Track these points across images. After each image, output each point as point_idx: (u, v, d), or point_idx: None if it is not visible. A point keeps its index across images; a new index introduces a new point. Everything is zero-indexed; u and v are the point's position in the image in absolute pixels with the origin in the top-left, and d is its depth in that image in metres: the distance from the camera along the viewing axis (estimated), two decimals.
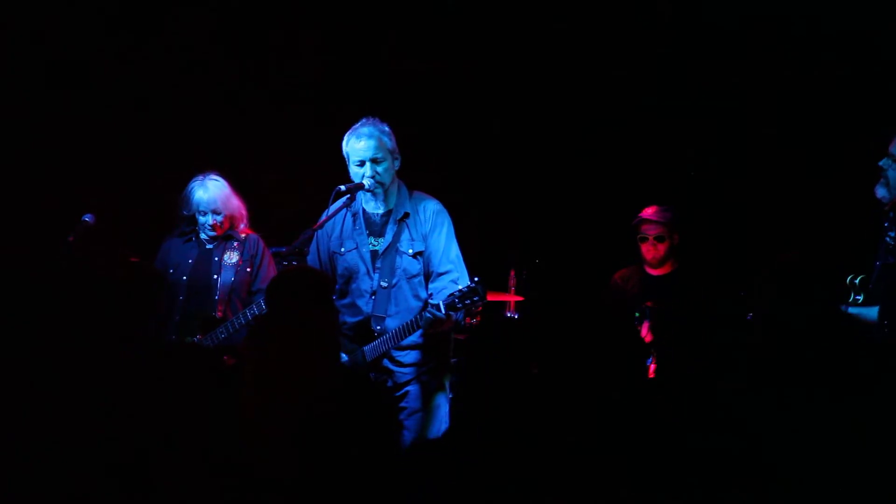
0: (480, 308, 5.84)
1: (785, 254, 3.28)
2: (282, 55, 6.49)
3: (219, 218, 5.03)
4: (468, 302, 4.17)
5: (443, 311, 4.19)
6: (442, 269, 4.46)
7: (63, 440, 3.18)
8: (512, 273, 6.25)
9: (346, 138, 4.50)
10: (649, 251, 5.85)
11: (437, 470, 4.34)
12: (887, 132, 4.32)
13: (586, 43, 6.42)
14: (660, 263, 5.87)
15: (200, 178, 5.06)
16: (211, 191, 5.03)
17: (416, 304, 4.45)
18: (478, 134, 6.67)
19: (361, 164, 4.44)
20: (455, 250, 4.51)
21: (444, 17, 6.44)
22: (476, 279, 4.20)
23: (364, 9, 6.44)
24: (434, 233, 4.47)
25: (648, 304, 5.70)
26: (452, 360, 5.35)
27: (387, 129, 4.50)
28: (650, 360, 5.70)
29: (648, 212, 5.85)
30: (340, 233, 4.55)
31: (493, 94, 6.62)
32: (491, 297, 6.06)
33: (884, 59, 5.75)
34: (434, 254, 4.47)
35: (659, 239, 5.81)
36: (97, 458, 3.14)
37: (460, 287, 4.21)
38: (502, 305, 6.31)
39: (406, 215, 4.49)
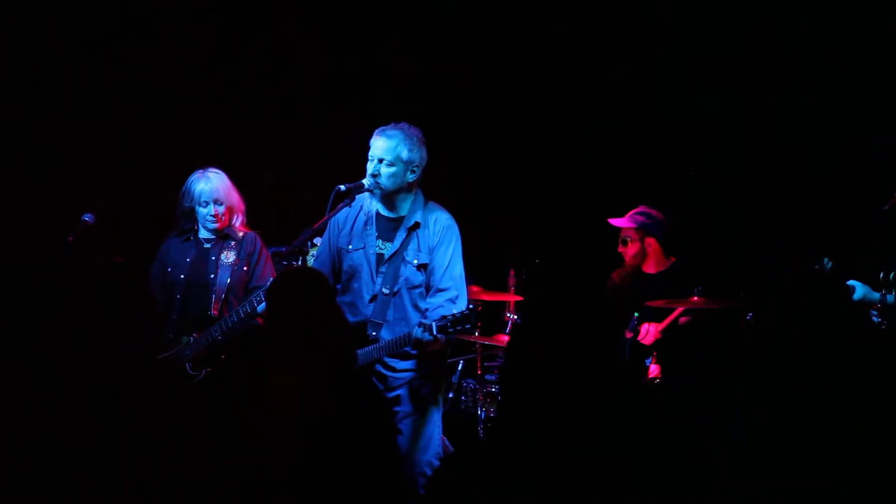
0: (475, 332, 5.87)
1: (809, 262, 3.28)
2: (282, 55, 6.49)
3: (220, 209, 5.04)
4: (459, 328, 4.18)
5: (433, 334, 4.19)
6: (443, 286, 4.42)
7: (63, 440, 3.19)
8: (512, 273, 6.25)
9: (375, 131, 4.46)
10: (623, 252, 6.04)
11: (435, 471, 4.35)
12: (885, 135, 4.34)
13: (586, 43, 6.42)
14: (639, 263, 6.00)
15: (200, 171, 5.08)
16: (213, 181, 5.04)
17: (415, 315, 4.43)
18: (478, 134, 6.67)
19: (372, 159, 4.43)
20: (459, 269, 4.46)
21: (445, 18, 6.45)
22: (471, 307, 4.23)
23: (364, 9, 6.44)
24: (440, 248, 4.43)
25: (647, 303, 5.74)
26: (451, 360, 5.37)
27: (415, 139, 4.42)
28: (650, 360, 5.73)
29: (625, 217, 6.00)
30: (351, 230, 4.53)
31: (493, 94, 6.62)
32: (491, 298, 6.07)
33: (883, 59, 5.75)
34: (437, 269, 4.43)
35: (623, 242, 6.02)
36: (97, 458, 3.15)
37: (454, 312, 4.21)
38: (502, 306, 6.31)
39: (417, 225, 4.45)
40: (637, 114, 6.51)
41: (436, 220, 4.47)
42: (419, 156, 4.42)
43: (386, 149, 4.39)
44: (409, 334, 4.26)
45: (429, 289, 4.45)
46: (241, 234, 5.09)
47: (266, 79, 6.51)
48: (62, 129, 6.06)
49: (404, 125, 4.45)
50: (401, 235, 4.45)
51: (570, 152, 6.67)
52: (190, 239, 5.11)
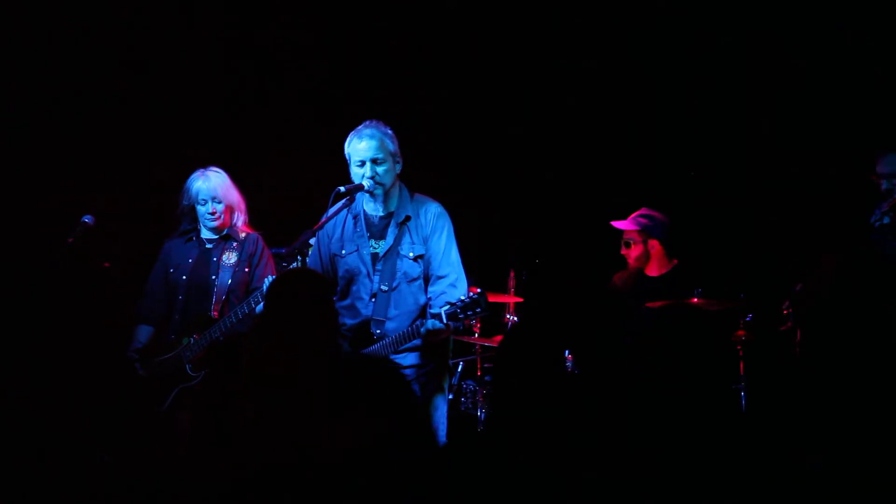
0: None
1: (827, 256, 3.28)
2: (282, 55, 6.50)
3: (219, 207, 5.03)
4: (470, 313, 4.16)
5: (444, 322, 4.19)
6: (441, 273, 4.45)
7: (60, 439, 3.19)
8: (511, 274, 6.25)
9: (348, 139, 4.50)
10: (626, 254, 6.02)
11: (435, 471, 4.35)
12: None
13: (586, 43, 6.42)
14: (642, 265, 5.99)
15: (201, 170, 5.09)
16: (211, 180, 5.05)
17: (416, 308, 4.45)
18: (478, 134, 6.68)
19: (362, 164, 4.44)
20: (455, 254, 4.50)
21: (445, 17, 6.45)
22: (479, 290, 4.20)
23: (364, 9, 6.45)
24: (434, 236, 4.47)
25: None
26: (451, 362, 5.37)
27: (390, 132, 4.50)
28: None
29: (628, 219, 5.99)
30: (341, 235, 4.55)
31: (493, 94, 6.62)
32: (491, 299, 6.06)
33: (883, 58, 5.75)
34: (434, 257, 4.46)
35: (626, 245, 6.01)
36: (94, 457, 3.15)
37: (462, 297, 4.19)
38: (502, 307, 6.31)
39: (407, 218, 4.48)
40: (639, 114, 6.52)
41: (426, 209, 4.51)
42: (397, 145, 4.50)
43: (374, 148, 4.43)
44: (417, 327, 4.27)
45: (428, 279, 4.47)
46: (242, 234, 5.09)
47: (267, 79, 6.51)
48: (62, 130, 6.07)
49: (372, 122, 4.51)
50: (393, 231, 4.47)
51: (571, 153, 6.67)
52: (192, 239, 5.11)
